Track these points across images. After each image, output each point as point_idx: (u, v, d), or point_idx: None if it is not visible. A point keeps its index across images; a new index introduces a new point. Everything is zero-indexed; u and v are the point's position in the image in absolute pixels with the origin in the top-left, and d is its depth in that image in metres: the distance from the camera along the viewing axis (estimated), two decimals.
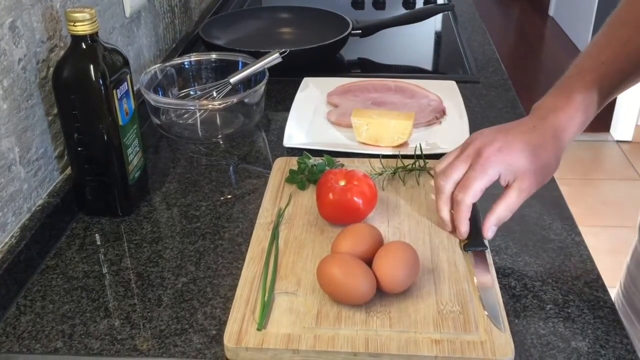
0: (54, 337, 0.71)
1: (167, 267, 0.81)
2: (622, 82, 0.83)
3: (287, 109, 1.14)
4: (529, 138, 0.78)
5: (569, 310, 0.73)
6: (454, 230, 0.81)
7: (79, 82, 0.83)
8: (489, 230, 0.78)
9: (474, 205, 0.79)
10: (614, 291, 1.07)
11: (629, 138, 3.24)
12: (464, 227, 0.79)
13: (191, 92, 1.20)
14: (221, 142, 1.11)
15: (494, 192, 0.79)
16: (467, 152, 0.79)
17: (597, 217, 2.68)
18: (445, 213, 0.80)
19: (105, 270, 0.81)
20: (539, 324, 0.71)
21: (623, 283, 1.05)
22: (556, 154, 0.79)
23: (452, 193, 0.79)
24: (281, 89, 1.27)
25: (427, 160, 0.96)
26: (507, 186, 0.78)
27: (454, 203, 0.79)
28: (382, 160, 0.97)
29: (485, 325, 0.68)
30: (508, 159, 0.77)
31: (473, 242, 0.79)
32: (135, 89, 0.92)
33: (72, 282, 0.79)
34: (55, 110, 0.89)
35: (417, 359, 0.65)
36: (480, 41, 1.54)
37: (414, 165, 0.95)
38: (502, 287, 0.75)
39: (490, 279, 0.74)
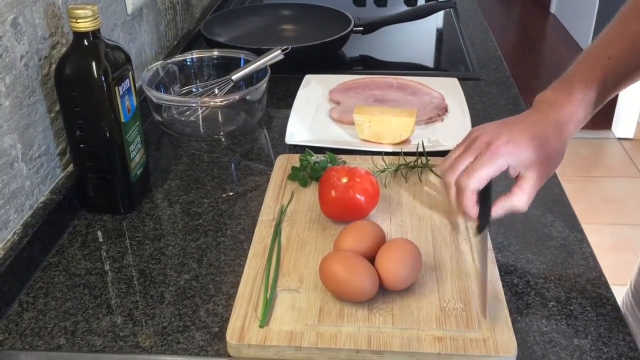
0: (57, 334, 0.71)
1: (169, 264, 0.81)
2: (627, 78, 0.82)
3: (289, 106, 1.14)
4: (533, 131, 0.78)
5: (572, 308, 0.73)
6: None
7: (81, 79, 0.83)
8: (497, 213, 0.78)
9: (488, 186, 0.78)
10: (618, 290, 1.06)
11: (630, 135, 3.23)
12: (472, 211, 0.77)
13: (193, 89, 1.20)
14: (223, 140, 1.11)
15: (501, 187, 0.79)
16: (475, 146, 0.79)
17: (599, 214, 2.68)
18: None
19: (107, 267, 0.81)
20: (542, 321, 0.71)
21: (633, 283, 1.05)
22: (560, 146, 0.79)
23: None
24: (283, 86, 1.27)
25: (429, 158, 0.96)
26: (518, 177, 0.78)
27: (457, 189, 0.78)
28: (385, 157, 0.96)
29: (488, 323, 0.68)
30: (517, 151, 0.77)
31: (482, 223, 0.77)
32: (137, 86, 0.92)
33: (75, 279, 0.79)
34: (57, 107, 0.89)
35: (420, 356, 0.65)
36: (482, 38, 1.54)
37: (416, 163, 0.95)
38: (505, 285, 0.75)
39: (485, 264, 0.74)
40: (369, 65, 1.47)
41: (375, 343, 0.66)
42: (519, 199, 0.77)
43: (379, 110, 1.05)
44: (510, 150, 0.77)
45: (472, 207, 0.77)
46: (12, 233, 0.80)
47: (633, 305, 1.03)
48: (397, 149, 0.99)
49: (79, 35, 0.82)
